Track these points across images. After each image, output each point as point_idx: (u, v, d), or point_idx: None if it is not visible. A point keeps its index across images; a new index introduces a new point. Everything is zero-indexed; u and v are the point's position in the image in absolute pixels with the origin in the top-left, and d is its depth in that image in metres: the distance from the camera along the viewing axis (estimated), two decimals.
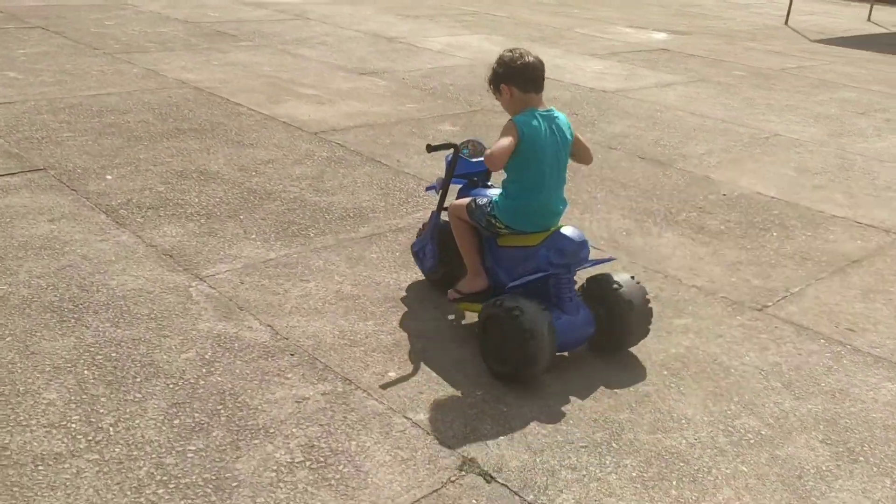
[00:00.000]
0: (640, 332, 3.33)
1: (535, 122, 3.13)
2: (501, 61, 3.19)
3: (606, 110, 7.21)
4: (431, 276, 3.69)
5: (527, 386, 3.05)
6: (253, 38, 8.05)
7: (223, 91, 5.94)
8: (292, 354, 3.04)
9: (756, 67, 9.89)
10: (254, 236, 4.00)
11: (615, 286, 3.25)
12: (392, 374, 3.02)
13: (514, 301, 3.02)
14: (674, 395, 3.09)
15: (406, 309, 3.54)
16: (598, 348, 3.35)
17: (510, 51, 3.22)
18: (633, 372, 3.23)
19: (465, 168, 3.49)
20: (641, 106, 7.51)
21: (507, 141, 3.06)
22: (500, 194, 3.26)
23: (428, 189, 3.76)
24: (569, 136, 3.24)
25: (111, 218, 4.01)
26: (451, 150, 3.41)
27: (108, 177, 4.49)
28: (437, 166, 5.13)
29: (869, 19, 15.41)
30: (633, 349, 3.37)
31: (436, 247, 3.56)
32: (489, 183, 3.58)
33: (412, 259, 3.84)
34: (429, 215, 3.77)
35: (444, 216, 3.56)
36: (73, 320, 3.10)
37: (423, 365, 3.11)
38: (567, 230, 3.18)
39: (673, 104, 7.73)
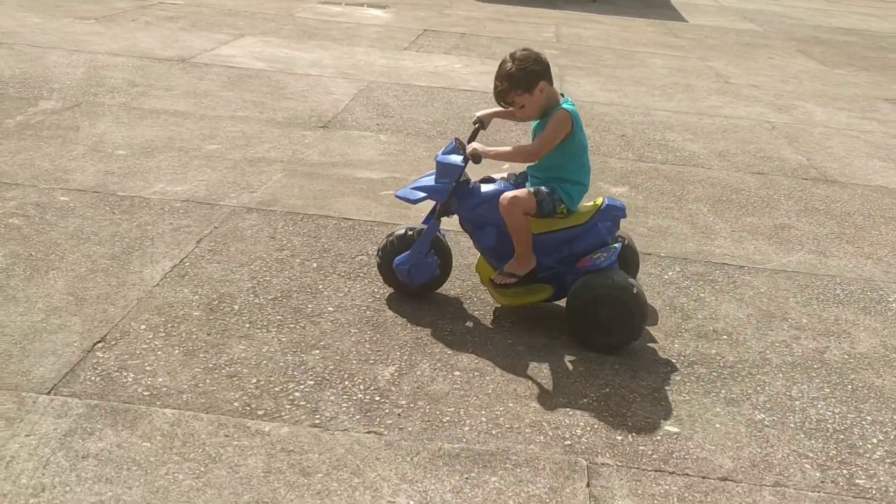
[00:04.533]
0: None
1: (574, 107, 3.31)
2: (532, 60, 3.23)
3: None
4: (419, 289, 3.54)
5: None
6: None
7: None
8: None
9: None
10: None
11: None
12: None
13: (622, 276, 3.22)
14: None
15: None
16: None
17: (525, 50, 3.30)
18: None
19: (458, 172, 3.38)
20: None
21: (557, 136, 3.24)
22: (559, 180, 3.32)
23: (415, 200, 3.43)
24: None
25: None
26: (458, 157, 3.37)
27: None
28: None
29: None
30: None
31: (438, 258, 3.47)
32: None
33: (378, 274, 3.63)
34: (396, 229, 3.58)
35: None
36: None
37: None
38: (610, 199, 3.39)
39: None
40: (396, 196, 3.53)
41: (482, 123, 3.50)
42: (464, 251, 4.01)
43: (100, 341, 3.06)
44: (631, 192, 5.17)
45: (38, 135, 5.30)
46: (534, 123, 3.44)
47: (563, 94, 3.39)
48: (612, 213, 3.36)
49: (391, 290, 3.61)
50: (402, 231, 3.52)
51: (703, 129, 6.76)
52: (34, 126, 5.45)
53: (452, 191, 3.37)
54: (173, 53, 7.89)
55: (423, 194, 3.41)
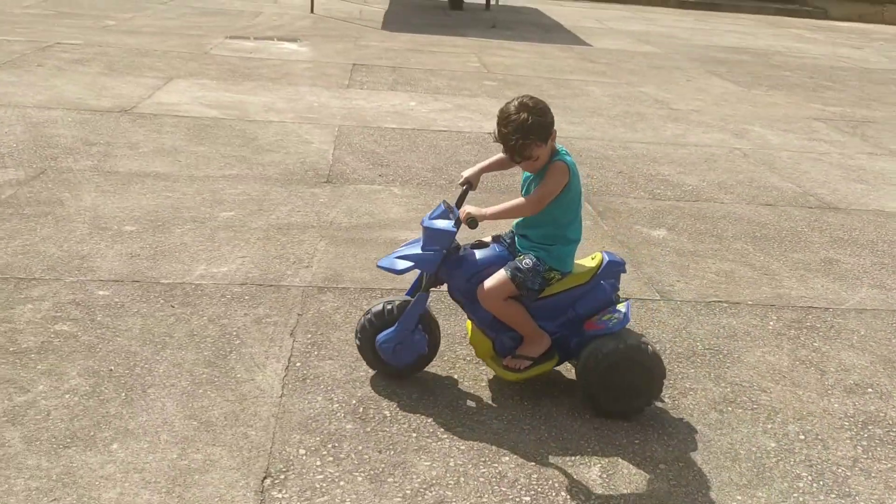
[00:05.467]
0: None
1: (571, 157, 3.08)
2: (542, 110, 2.96)
3: None
4: (406, 371, 3.20)
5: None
6: None
7: None
8: None
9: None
10: None
11: None
12: None
13: (635, 337, 3.05)
14: None
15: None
16: None
17: (532, 98, 3.00)
18: None
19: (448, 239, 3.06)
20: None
21: (559, 187, 2.99)
22: (546, 243, 3.07)
23: (401, 270, 3.07)
24: None
25: None
26: (448, 222, 3.05)
27: None
28: None
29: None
30: None
31: (426, 334, 3.14)
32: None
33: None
34: (373, 305, 3.23)
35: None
36: None
37: None
38: (609, 254, 3.20)
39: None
40: (379, 266, 3.16)
41: (470, 184, 3.18)
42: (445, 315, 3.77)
43: (266, 477, 2.61)
44: (671, 234, 5.10)
45: (20, 213, 4.61)
46: (523, 176, 3.18)
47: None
48: (614, 270, 3.17)
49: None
50: (380, 307, 3.17)
51: (686, 161, 6.84)
52: (9, 203, 4.74)
53: (442, 259, 3.06)
54: (110, 103, 7.17)
55: (409, 263, 3.07)
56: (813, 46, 15.94)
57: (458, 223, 3.03)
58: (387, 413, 3.02)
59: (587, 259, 3.20)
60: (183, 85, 8.13)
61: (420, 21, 14.87)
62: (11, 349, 3.24)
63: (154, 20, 12.37)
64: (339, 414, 2.98)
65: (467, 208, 3.01)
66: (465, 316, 3.26)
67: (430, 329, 3.19)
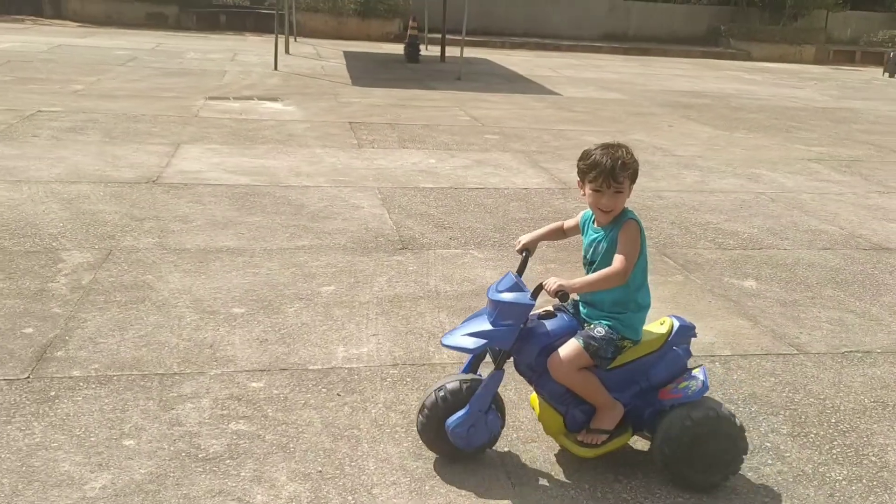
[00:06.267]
0: None
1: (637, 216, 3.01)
2: (631, 157, 2.92)
3: None
4: (479, 450, 3.03)
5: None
6: None
7: None
8: None
9: None
10: None
11: None
12: None
13: (717, 404, 2.95)
14: None
15: None
16: None
17: (623, 145, 2.96)
18: None
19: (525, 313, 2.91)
20: None
21: (637, 248, 2.92)
22: (617, 311, 2.96)
23: (475, 349, 2.90)
24: None
25: None
26: (523, 294, 2.89)
27: None
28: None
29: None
30: None
31: (498, 412, 3.01)
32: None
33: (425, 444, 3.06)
34: (446, 381, 3.02)
35: None
36: None
37: None
38: (679, 318, 3.08)
39: None
40: (444, 345, 2.96)
41: (528, 251, 3.12)
42: None
43: None
44: (761, 284, 5.17)
45: (114, 300, 4.31)
46: (586, 239, 3.08)
47: None
48: (686, 335, 3.06)
49: None
50: (457, 384, 2.96)
51: (723, 208, 6.98)
52: (96, 290, 4.44)
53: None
54: (132, 174, 6.86)
55: (483, 341, 2.87)
56: (759, 88, 16.69)
57: (534, 295, 2.87)
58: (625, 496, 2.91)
59: (655, 324, 3.09)
60: (195, 151, 7.85)
61: (386, 76, 14.89)
62: (200, 456, 3.00)
63: (122, 83, 11.97)
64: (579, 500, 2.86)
65: (556, 280, 2.83)
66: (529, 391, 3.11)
67: (499, 406, 3.05)
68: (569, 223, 3.21)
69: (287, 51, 17.12)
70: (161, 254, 5.05)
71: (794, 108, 13.89)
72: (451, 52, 18.21)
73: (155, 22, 23.05)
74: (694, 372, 3.00)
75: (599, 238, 2.99)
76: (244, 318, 4.19)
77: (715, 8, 27.67)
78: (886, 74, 21.79)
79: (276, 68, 14.50)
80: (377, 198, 6.61)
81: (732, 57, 24.53)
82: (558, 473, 3.05)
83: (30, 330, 3.92)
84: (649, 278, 3.08)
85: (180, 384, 3.49)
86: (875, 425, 3.52)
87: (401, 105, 11.50)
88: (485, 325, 2.89)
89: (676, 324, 3.04)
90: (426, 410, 2.97)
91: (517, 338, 2.89)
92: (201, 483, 2.84)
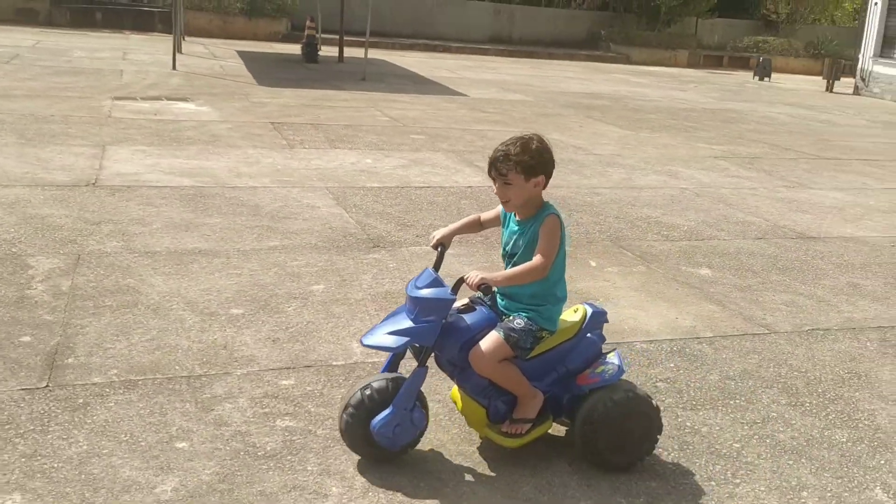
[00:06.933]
0: None
1: (559, 212, 3.03)
2: (544, 150, 2.95)
3: None
4: (404, 449, 2.95)
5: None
6: None
7: None
8: None
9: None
10: None
11: None
12: None
13: (631, 385, 3.05)
14: None
15: None
16: None
17: (540, 137, 2.98)
18: None
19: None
20: None
21: (557, 242, 2.95)
22: (535, 304, 2.98)
23: (397, 347, 2.88)
24: None
25: None
26: (444, 289, 2.88)
27: None
28: None
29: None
30: None
31: (424, 409, 2.96)
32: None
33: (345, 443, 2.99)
34: (372, 380, 2.94)
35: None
36: None
37: None
38: (591, 305, 3.13)
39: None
40: (365, 345, 2.90)
41: (444, 246, 3.08)
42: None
43: None
44: (715, 272, 5.53)
45: (105, 305, 4.17)
46: (505, 232, 3.11)
47: None
48: (599, 321, 3.10)
49: None
50: (383, 383, 2.88)
51: (657, 203, 7.37)
52: (81, 296, 4.27)
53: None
54: (66, 177, 6.57)
55: (405, 338, 2.83)
56: (648, 90, 17.55)
57: (454, 290, 2.89)
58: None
59: (569, 312, 3.13)
60: (124, 153, 7.57)
61: (290, 76, 14.74)
62: (260, 454, 2.99)
63: (14, 82, 11.33)
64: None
65: (477, 274, 2.86)
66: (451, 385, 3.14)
67: (423, 403, 2.99)
68: (486, 215, 3.20)
69: (180, 50, 16.60)
70: (132, 257, 4.90)
71: (684, 109, 14.72)
72: (347, 52, 18.20)
73: (25, 18, 21.81)
74: (609, 357, 3.08)
75: (520, 231, 3.02)
76: (247, 319, 4.15)
77: (595, 13, 28.88)
78: (756, 78, 23.36)
79: (174, 68, 14.06)
80: (329, 198, 6.61)
81: (613, 60, 25.62)
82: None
83: (27, 338, 3.74)
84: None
85: (210, 385, 3.44)
86: (857, 393, 3.89)
87: (315, 105, 11.43)
88: (406, 322, 2.86)
89: (590, 311, 3.08)
90: (351, 409, 2.87)
91: (440, 334, 2.87)
92: (272, 479, 2.84)
